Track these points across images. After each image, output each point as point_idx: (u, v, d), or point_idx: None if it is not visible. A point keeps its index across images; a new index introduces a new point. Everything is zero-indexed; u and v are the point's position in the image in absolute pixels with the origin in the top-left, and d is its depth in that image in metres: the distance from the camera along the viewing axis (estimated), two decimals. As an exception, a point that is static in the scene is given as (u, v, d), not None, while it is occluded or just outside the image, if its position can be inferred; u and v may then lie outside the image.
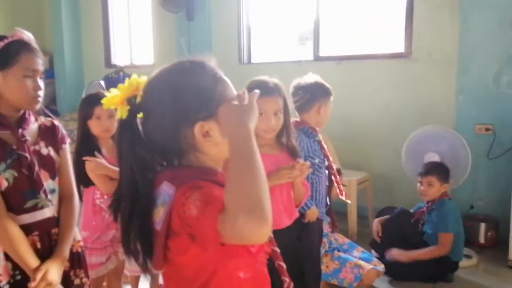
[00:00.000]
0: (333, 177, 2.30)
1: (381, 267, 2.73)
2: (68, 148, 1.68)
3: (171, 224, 0.88)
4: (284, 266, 1.05)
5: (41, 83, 1.53)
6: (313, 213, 2.18)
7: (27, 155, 1.50)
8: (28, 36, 1.54)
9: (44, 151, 1.58)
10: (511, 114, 3.16)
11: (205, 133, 0.95)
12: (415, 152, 3.35)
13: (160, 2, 4.97)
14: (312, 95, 2.27)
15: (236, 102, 0.94)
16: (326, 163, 2.28)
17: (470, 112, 3.72)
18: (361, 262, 2.71)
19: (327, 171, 2.32)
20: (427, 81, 3.92)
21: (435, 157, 3.27)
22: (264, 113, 1.80)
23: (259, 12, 4.95)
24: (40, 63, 1.53)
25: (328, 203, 2.79)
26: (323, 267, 2.70)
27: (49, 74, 6.16)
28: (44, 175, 1.55)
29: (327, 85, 2.32)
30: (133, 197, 0.96)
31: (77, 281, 1.66)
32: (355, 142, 4.22)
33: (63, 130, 1.69)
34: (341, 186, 2.33)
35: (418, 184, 3.11)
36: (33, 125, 1.59)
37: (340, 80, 4.25)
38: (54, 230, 1.59)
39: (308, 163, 1.81)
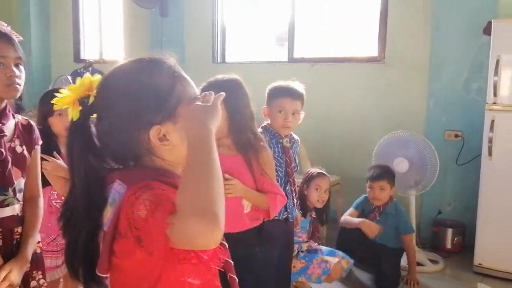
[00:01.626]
0: (290, 184, 2.26)
1: (346, 259, 2.87)
2: (39, 150, 1.67)
3: (118, 225, 0.83)
4: (236, 279, 1.01)
5: (18, 69, 1.49)
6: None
7: (3, 150, 1.49)
8: (0, 24, 1.50)
9: (18, 149, 1.57)
10: (480, 121, 3.20)
11: (161, 136, 0.90)
12: (384, 157, 3.36)
13: (133, -3, 4.85)
14: (267, 99, 2.24)
15: (199, 103, 0.89)
16: (285, 168, 2.23)
17: (440, 118, 3.76)
18: (327, 257, 2.84)
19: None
20: (400, 86, 3.94)
21: (404, 162, 3.29)
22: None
23: (233, 11, 4.90)
24: (14, 50, 1.48)
25: (313, 215, 2.90)
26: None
27: (15, 67, 5.97)
28: (16, 173, 1.54)
29: (285, 86, 2.24)
30: (88, 203, 0.90)
31: (33, 283, 1.63)
32: (326, 145, 4.22)
33: (37, 131, 1.68)
34: (297, 195, 2.34)
35: (368, 190, 3.14)
36: (10, 122, 1.57)
37: (314, 83, 4.20)
38: (17, 229, 1.57)
39: (234, 181, 1.77)
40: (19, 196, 1.56)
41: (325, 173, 2.97)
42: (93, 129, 0.93)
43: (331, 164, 4.16)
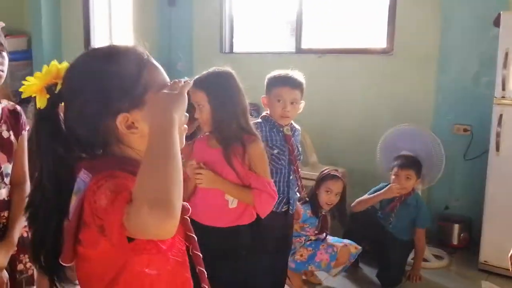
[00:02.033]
0: (294, 172, 2.24)
1: (354, 245, 2.87)
2: (26, 135, 1.67)
3: (83, 215, 0.82)
4: (205, 272, 1.00)
5: (0, 57, 1.50)
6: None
7: None
8: None
9: (5, 134, 1.57)
10: (489, 115, 3.12)
11: (130, 124, 0.89)
12: (389, 150, 3.31)
13: (142, -14, 4.83)
14: (266, 88, 2.22)
15: (166, 91, 0.88)
16: (288, 156, 2.21)
17: (448, 112, 3.68)
18: (334, 242, 2.87)
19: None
20: (407, 79, 3.86)
21: (409, 156, 3.23)
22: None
23: (242, 1, 4.84)
24: None
25: (323, 212, 2.87)
26: (297, 256, 2.73)
27: (27, 56, 6.02)
28: (1, 158, 1.55)
29: (284, 75, 2.22)
30: (56, 193, 0.90)
31: (20, 267, 1.65)
32: (332, 137, 4.17)
33: (24, 116, 1.68)
34: (301, 183, 2.31)
35: (393, 177, 3.06)
36: None
37: (321, 74, 4.18)
38: (4, 213, 1.59)
39: (194, 164, 1.77)
40: (6, 180, 1.57)
41: (338, 175, 2.90)
42: (62, 117, 0.93)
43: (337, 157, 4.14)
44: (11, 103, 1.65)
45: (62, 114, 0.93)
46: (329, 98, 4.16)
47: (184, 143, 0.98)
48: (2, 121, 1.58)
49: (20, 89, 0.93)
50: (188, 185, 1.78)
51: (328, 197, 2.82)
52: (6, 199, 1.59)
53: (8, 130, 1.58)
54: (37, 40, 6.09)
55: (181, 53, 4.93)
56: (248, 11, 4.88)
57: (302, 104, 2.23)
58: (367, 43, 4.16)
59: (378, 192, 3.05)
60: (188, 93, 0.88)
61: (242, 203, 1.82)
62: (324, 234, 2.88)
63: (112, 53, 0.92)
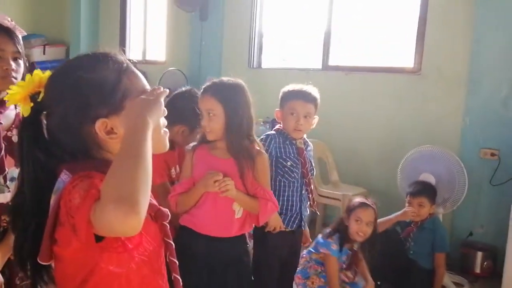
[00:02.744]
0: (306, 185, 2.23)
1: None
2: None
3: (59, 214, 0.85)
4: (180, 280, 1.00)
5: (16, 63, 1.53)
6: (275, 221, 2.10)
7: None
8: (3, 19, 1.56)
9: (15, 138, 1.58)
10: (518, 140, 3.02)
11: (109, 130, 0.92)
12: (410, 171, 3.25)
13: (175, 1, 4.97)
14: (280, 102, 2.23)
15: (143, 96, 0.91)
16: (301, 169, 2.20)
17: (476, 135, 3.58)
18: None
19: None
20: (435, 100, 3.79)
21: (430, 178, 3.15)
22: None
23: (271, 17, 4.90)
24: (13, 44, 1.53)
25: (355, 247, 2.61)
26: (308, 283, 2.63)
27: (65, 65, 6.26)
28: (9, 162, 1.56)
29: (298, 89, 2.23)
30: (36, 196, 0.93)
31: (20, 273, 1.63)
32: (355, 156, 4.12)
33: None
34: (313, 196, 2.29)
35: (407, 205, 3.00)
36: (11, 112, 1.60)
37: (347, 91, 4.18)
38: (4, 217, 1.58)
39: (220, 174, 1.74)
40: (10, 184, 1.58)
41: (369, 203, 2.65)
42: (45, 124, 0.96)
43: (359, 176, 4.08)
44: None
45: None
46: (354, 116, 4.13)
47: (168, 146, 1.00)
48: (13, 125, 1.59)
49: (5, 98, 0.97)
50: (195, 195, 1.79)
51: (358, 227, 2.56)
52: (8, 203, 1.58)
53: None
54: (75, 50, 6.32)
55: (210, 67, 5.00)
56: (277, 27, 4.92)
57: (316, 119, 2.23)
58: (395, 62, 4.12)
59: (394, 214, 2.99)
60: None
61: (244, 212, 1.83)
62: (352, 273, 2.65)
63: (91, 61, 0.95)
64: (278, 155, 2.18)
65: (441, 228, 3.04)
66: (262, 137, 2.24)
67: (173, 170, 2.00)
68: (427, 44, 3.81)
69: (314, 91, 2.21)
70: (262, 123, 4.25)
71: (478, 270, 3.42)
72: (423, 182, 3.09)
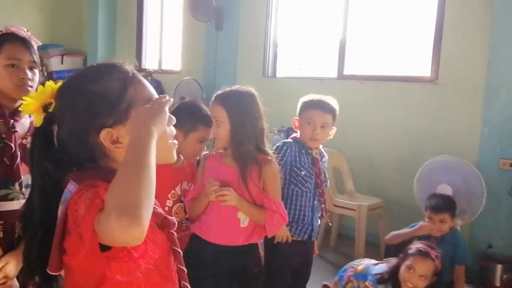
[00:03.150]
0: (319, 196, 2.21)
1: None
2: None
3: (67, 223, 0.86)
4: (189, 287, 1.00)
5: (31, 73, 1.56)
6: (281, 232, 2.08)
7: (13, 145, 1.54)
8: (19, 29, 1.58)
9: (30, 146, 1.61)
10: (537, 150, 2.96)
11: (115, 139, 0.92)
12: (427, 182, 3.19)
13: (191, 11, 5.01)
14: (299, 111, 2.23)
15: (148, 105, 0.91)
16: (315, 179, 2.19)
17: (494, 145, 3.51)
18: None
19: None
20: (452, 109, 3.74)
21: (447, 189, 3.08)
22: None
23: (286, 26, 4.91)
24: (29, 54, 1.55)
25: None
26: None
27: (82, 74, 6.36)
28: (24, 169, 1.57)
29: (317, 99, 2.22)
30: (44, 205, 0.95)
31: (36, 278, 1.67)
32: (371, 166, 4.08)
33: None
34: (326, 207, 2.27)
35: (427, 220, 2.86)
36: (26, 120, 1.62)
37: (362, 101, 4.15)
38: (20, 224, 1.59)
39: (217, 183, 1.73)
40: (25, 191, 1.59)
41: (430, 254, 2.28)
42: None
43: (375, 186, 4.04)
44: None
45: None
46: (370, 125, 4.09)
47: (176, 157, 1.00)
48: (28, 133, 1.62)
49: (20, 108, 0.98)
50: (201, 203, 1.79)
51: (409, 276, 2.24)
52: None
53: None
54: (93, 59, 6.42)
55: (225, 77, 5.03)
56: (292, 36, 4.93)
57: (333, 130, 2.21)
58: (411, 71, 4.08)
59: (412, 228, 2.92)
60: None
61: (252, 222, 1.81)
62: None
63: (97, 72, 0.96)
64: (293, 163, 2.18)
65: (462, 240, 2.94)
66: (278, 144, 2.24)
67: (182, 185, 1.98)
68: (444, 53, 3.77)
69: (333, 102, 2.20)
70: (276, 132, 4.25)
71: (497, 283, 3.34)
72: (442, 196, 2.96)
